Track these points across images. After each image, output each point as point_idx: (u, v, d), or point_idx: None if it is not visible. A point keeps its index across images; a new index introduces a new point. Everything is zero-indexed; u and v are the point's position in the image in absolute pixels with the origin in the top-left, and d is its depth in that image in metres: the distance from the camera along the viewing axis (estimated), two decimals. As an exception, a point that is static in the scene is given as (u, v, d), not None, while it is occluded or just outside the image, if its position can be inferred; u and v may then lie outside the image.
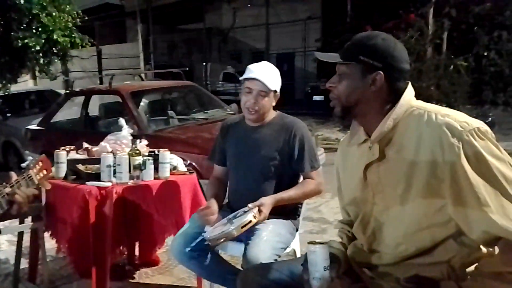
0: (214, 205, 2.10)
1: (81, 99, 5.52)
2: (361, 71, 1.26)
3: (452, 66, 8.52)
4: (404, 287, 1.21)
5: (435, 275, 1.21)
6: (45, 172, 1.56)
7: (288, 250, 2.15)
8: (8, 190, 1.43)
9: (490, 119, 7.56)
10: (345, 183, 1.46)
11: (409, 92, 1.28)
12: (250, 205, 1.96)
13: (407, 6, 9.26)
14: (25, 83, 10.30)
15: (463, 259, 1.19)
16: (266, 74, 2.14)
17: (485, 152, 1.13)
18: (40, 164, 1.55)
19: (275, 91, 2.17)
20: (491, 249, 1.17)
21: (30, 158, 1.70)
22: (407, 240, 1.24)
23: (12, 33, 6.63)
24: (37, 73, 8.20)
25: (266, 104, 2.15)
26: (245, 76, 2.16)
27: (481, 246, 1.16)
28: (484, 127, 1.16)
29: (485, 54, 9.74)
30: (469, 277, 1.18)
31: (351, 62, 1.27)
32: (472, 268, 1.19)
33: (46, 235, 2.65)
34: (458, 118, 1.18)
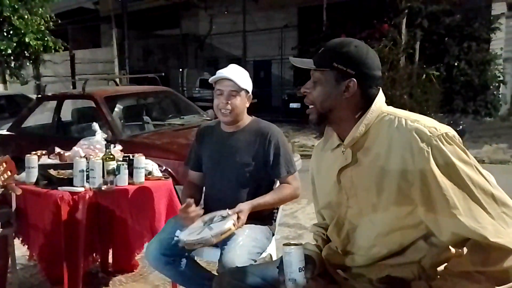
0: (193, 204, 2.06)
1: (53, 103, 5.40)
2: (335, 78, 1.29)
3: (424, 75, 8.76)
4: (377, 286, 1.24)
5: (406, 275, 1.24)
6: (9, 173, 1.51)
7: (264, 255, 2.15)
8: None
9: (460, 127, 7.78)
10: (319, 187, 1.48)
11: (380, 98, 1.32)
12: (229, 211, 1.96)
13: (381, 17, 9.50)
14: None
15: (433, 259, 1.22)
16: (234, 73, 2.15)
17: (453, 156, 1.16)
18: (4, 165, 1.51)
19: (246, 91, 2.18)
20: (459, 249, 1.21)
21: None
22: (379, 242, 1.28)
23: (-18, 36, 6.46)
24: (7, 77, 7.98)
25: (238, 104, 2.15)
26: (215, 78, 2.17)
27: (450, 247, 1.20)
28: (451, 132, 1.20)
29: (456, 64, 10.08)
30: (439, 276, 1.22)
31: (325, 69, 1.30)
32: (442, 267, 1.23)
33: (17, 241, 2.57)
34: (427, 123, 1.21)
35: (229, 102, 2.13)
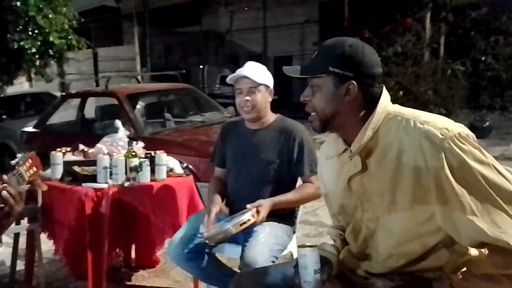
0: (219, 202, 2.11)
1: (77, 101, 5.50)
2: (333, 83, 1.22)
3: (449, 71, 8.54)
4: (397, 284, 1.21)
5: (429, 275, 1.21)
6: (35, 169, 1.53)
7: (285, 252, 2.14)
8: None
9: (487, 123, 7.56)
10: (330, 192, 1.44)
11: (385, 97, 1.25)
12: (248, 205, 1.96)
13: (404, 11, 9.30)
14: (20, 85, 10.28)
15: (455, 265, 1.19)
16: (251, 70, 2.15)
17: (467, 158, 1.11)
18: (30, 161, 1.53)
19: (266, 86, 2.17)
20: (481, 250, 1.18)
21: (19, 155, 1.67)
22: (398, 252, 1.24)
23: (8, 35, 6.61)
24: (33, 75, 8.17)
25: (259, 100, 2.14)
26: (233, 79, 2.18)
27: (470, 250, 1.17)
28: (465, 131, 1.14)
29: (482, 58, 9.79)
30: (460, 277, 1.19)
31: (321, 75, 1.23)
32: (463, 268, 1.20)
33: (43, 236, 2.63)
34: (437, 124, 1.15)
35: (249, 98, 2.13)
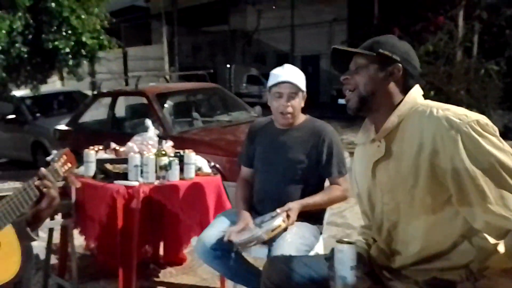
0: (247, 218, 2.09)
1: (107, 100, 5.63)
2: (379, 63, 1.31)
3: (483, 70, 8.29)
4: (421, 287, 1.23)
5: (453, 278, 1.22)
6: (69, 165, 1.58)
7: (311, 253, 2.14)
8: (37, 182, 1.45)
9: (521, 124, 7.32)
10: (360, 186, 1.46)
11: (416, 90, 1.32)
12: (278, 210, 1.97)
13: (436, 9, 9.08)
14: (53, 84, 10.57)
15: (481, 264, 1.19)
16: (293, 75, 2.15)
17: (484, 143, 1.13)
18: (65, 157, 1.58)
19: (303, 91, 2.17)
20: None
21: (54, 152, 1.73)
22: (421, 239, 1.26)
23: (43, 36, 6.82)
24: (65, 74, 8.40)
25: (297, 106, 2.16)
26: (273, 82, 2.16)
27: (498, 249, 1.15)
28: (484, 120, 1.17)
29: (518, 58, 9.47)
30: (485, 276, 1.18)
31: (371, 53, 1.31)
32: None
33: (75, 232, 2.71)
34: (457, 112, 1.20)
35: (290, 104, 2.13)
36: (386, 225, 1.34)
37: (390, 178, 1.30)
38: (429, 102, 1.29)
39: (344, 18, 15.27)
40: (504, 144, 1.15)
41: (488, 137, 1.14)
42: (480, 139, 1.13)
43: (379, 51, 1.30)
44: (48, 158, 1.68)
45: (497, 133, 1.17)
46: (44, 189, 1.44)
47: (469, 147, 1.13)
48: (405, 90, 1.31)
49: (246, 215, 2.12)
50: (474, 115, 1.18)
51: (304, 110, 2.26)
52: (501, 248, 1.16)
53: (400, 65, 1.29)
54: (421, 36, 8.21)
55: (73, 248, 2.66)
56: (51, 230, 2.79)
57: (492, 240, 1.16)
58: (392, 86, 1.31)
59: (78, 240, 2.81)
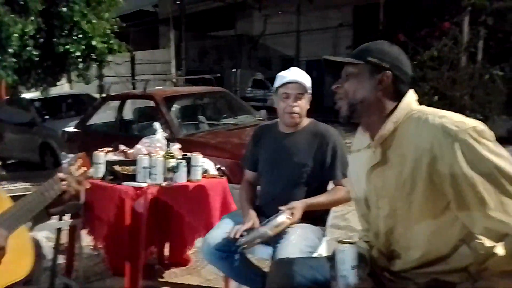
0: (254, 217, 2.13)
1: (116, 103, 5.70)
2: (369, 71, 1.31)
3: (487, 76, 8.29)
4: None
5: (453, 280, 1.24)
6: (84, 168, 1.65)
7: (315, 255, 2.17)
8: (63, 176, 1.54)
9: (526, 130, 7.30)
10: (357, 190, 1.48)
11: (410, 96, 1.32)
12: (282, 207, 2.01)
13: (441, 14, 9.09)
14: (61, 87, 10.67)
15: (479, 266, 1.21)
16: (300, 76, 2.19)
17: (482, 149, 1.15)
18: (80, 161, 1.64)
19: (309, 93, 2.21)
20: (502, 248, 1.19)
21: (70, 155, 1.80)
22: (419, 244, 1.27)
23: (55, 39, 6.91)
24: (73, 77, 8.50)
25: (304, 106, 2.19)
26: (280, 82, 2.20)
27: (497, 251, 1.17)
28: (481, 126, 1.18)
29: (523, 63, 9.44)
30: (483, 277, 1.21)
31: (360, 62, 1.32)
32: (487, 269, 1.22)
33: (83, 232, 2.75)
34: (454, 118, 1.21)
35: (297, 104, 2.17)
36: (383, 229, 1.36)
37: (386, 184, 1.31)
38: (424, 108, 1.30)
39: (350, 23, 15.30)
40: (501, 150, 1.17)
41: (485, 144, 1.16)
42: (478, 145, 1.15)
43: (368, 59, 1.31)
44: (64, 161, 1.75)
45: (494, 139, 1.18)
46: (64, 187, 1.53)
47: (467, 154, 1.15)
48: (397, 96, 1.32)
49: (253, 214, 2.15)
50: (471, 122, 1.19)
51: (309, 114, 2.30)
52: (499, 250, 1.18)
53: (389, 72, 1.30)
54: (426, 41, 8.23)
55: (81, 248, 2.71)
56: (59, 231, 2.84)
57: (490, 243, 1.18)
58: (383, 93, 1.31)
59: (85, 240, 2.86)
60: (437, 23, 9.03)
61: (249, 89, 17.05)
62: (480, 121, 1.21)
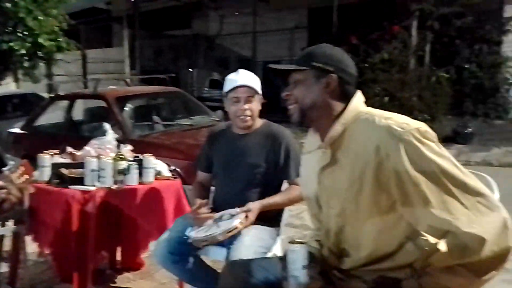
0: (205, 205, 2.11)
1: (65, 103, 5.49)
2: (314, 76, 1.35)
3: (434, 78, 8.70)
4: (370, 286, 1.30)
5: (399, 276, 1.28)
6: (26, 176, 1.59)
7: (269, 255, 2.18)
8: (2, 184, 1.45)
9: (470, 130, 7.70)
10: (308, 190, 1.50)
11: (358, 98, 1.36)
12: (238, 209, 2.00)
13: (391, 18, 9.45)
14: (6, 86, 10.18)
15: (424, 262, 1.25)
16: (249, 79, 2.19)
17: (425, 150, 1.20)
18: (22, 168, 1.58)
19: (259, 94, 2.22)
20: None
21: (11, 162, 1.73)
22: (367, 242, 1.32)
23: (-2, 36, 6.59)
24: (20, 76, 8.12)
25: (255, 108, 2.20)
26: (229, 87, 2.19)
27: (440, 247, 1.22)
28: (424, 127, 1.24)
29: (466, 66, 10.00)
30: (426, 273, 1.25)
31: (304, 68, 1.35)
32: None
33: (28, 238, 2.64)
34: (399, 120, 1.25)
35: (248, 107, 2.17)
36: (333, 228, 1.39)
37: (336, 184, 1.34)
38: (371, 110, 1.34)
39: (305, 25, 15.55)
40: (443, 150, 1.23)
41: (428, 144, 1.21)
42: (421, 146, 1.20)
43: (312, 64, 1.34)
44: (5, 169, 1.68)
45: (437, 140, 1.24)
46: (4, 196, 1.45)
47: (411, 154, 1.19)
48: (344, 97, 1.35)
49: (203, 202, 2.11)
50: (415, 123, 1.24)
51: (264, 115, 2.31)
52: (442, 246, 1.22)
53: (334, 75, 1.33)
54: (377, 44, 8.53)
55: (25, 255, 2.60)
56: (2, 237, 2.70)
57: (433, 240, 1.23)
58: (330, 96, 1.35)
59: (31, 247, 2.74)
60: (388, 26, 9.39)
61: (206, 89, 16.95)
62: (423, 123, 1.27)
